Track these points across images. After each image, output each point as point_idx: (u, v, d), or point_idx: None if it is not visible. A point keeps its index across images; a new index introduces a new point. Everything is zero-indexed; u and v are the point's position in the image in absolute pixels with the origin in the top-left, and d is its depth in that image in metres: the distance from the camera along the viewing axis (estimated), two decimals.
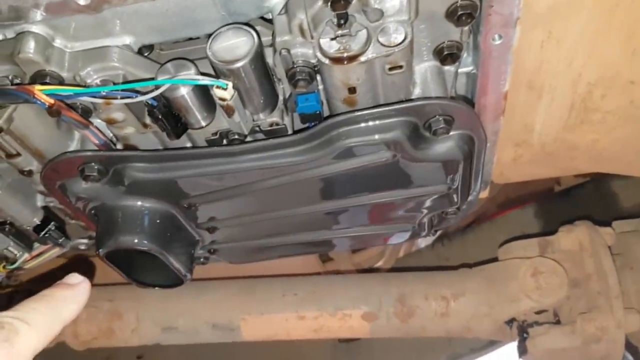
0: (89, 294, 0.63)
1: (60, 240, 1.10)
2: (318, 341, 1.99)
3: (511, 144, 1.09)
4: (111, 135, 0.91)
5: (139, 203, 0.93)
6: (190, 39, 0.85)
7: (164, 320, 1.40)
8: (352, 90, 0.80)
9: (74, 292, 0.62)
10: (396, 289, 1.36)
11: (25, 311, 0.56)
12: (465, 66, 0.90)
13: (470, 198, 1.08)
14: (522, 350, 1.32)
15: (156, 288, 1.08)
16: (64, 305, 0.60)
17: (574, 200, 1.98)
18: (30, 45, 0.76)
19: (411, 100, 0.82)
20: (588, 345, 1.27)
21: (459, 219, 1.14)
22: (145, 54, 0.85)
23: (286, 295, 1.40)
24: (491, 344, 1.76)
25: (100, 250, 0.93)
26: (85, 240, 1.25)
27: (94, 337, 1.41)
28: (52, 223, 1.06)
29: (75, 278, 0.63)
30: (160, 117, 0.78)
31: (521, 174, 1.21)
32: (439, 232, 2.09)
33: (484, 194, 1.20)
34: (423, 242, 2.28)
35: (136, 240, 0.92)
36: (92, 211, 0.94)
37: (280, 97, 0.85)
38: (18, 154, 0.91)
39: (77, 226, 1.20)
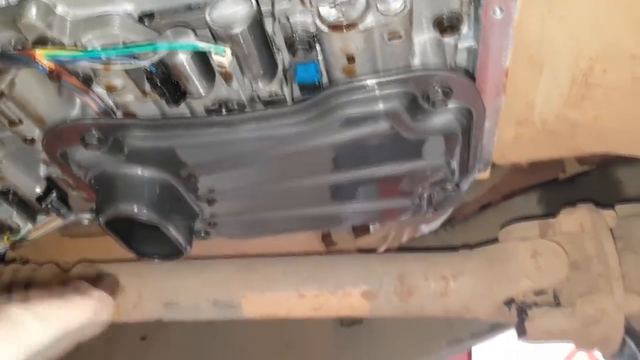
0: (108, 310, 0.63)
1: (63, 211, 1.11)
2: (320, 326, 2.01)
3: (512, 122, 1.09)
4: (112, 105, 0.92)
5: (139, 172, 0.93)
6: (190, 8, 0.85)
7: (166, 297, 1.41)
8: (351, 59, 0.80)
9: (86, 300, 0.61)
10: (396, 268, 1.36)
11: (36, 304, 0.55)
12: (467, 41, 0.90)
13: (471, 176, 1.08)
14: (521, 331, 1.32)
15: (156, 260, 1.08)
16: (70, 307, 0.59)
17: (578, 188, 1.97)
18: (32, 12, 0.77)
19: (410, 71, 0.82)
20: (587, 328, 1.27)
21: (459, 197, 1.14)
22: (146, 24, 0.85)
23: (287, 274, 1.41)
24: (492, 329, 1.76)
25: (100, 217, 0.94)
26: (88, 216, 1.27)
27: None
28: (54, 193, 1.07)
29: (95, 291, 0.63)
30: (159, 83, 0.79)
31: (522, 154, 1.20)
32: (443, 217, 2.09)
33: (485, 175, 1.20)
34: (427, 228, 2.28)
35: (136, 209, 0.93)
36: (93, 180, 0.95)
37: (280, 68, 0.85)
38: (20, 122, 0.92)
39: (80, 201, 1.22)
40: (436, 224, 2.20)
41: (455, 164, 0.97)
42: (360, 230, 2.09)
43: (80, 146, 0.90)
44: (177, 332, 2.05)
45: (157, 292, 1.42)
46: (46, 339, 0.55)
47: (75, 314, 0.59)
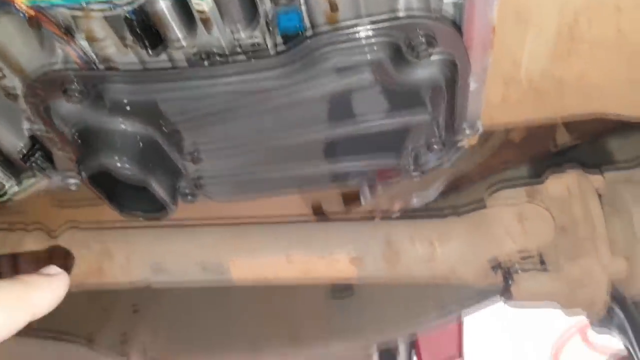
0: (66, 287, 0.60)
1: (48, 170, 1.11)
2: (311, 297, 2.02)
3: (499, 82, 1.08)
4: (94, 57, 0.91)
5: (122, 126, 0.93)
6: None
7: (154, 260, 1.42)
8: (334, 7, 0.79)
9: (50, 281, 0.58)
10: (384, 233, 1.37)
11: (3, 293, 0.53)
12: None
13: (458, 137, 1.08)
14: (507, 295, 1.33)
15: (140, 218, 1.08)
16: (36, 292, 0.56)
17: (569, 160, 1.97)
18: None
19: (394, 18, 0.82)
20: (573, 290, 1.28)
21: (445, 159, 1.14)
22: None
23: (276, 239, 1.42)
24: (480, 296, 1.76)
25: (83, 171, 0.94)
26: (75, 181, 1.26)
27: (85, 275, 1.43)
28: (38, 151, 1.06)
29: (53, 269, 0.60)
30: (138, 31, 0.78)
31: (511, 116, 1.20)
32: (434, 190, 2.09)
33: (473, 140, 1.20)
34: (418, 201, 2.28)
35: (118, 162, 0.92)
36: (76, 135, 0.95)
37: (262, 16, 0.84)
38: (2, 75, 0.91)
39: (66, 162, 1.21)
40: (428, 196, 2.21)
41: (441, 120, 0.96)
42: (351, 201, 2.09)
43: (63, 99, 0.89)
44: (168, 304, 2.06)
45: (145, 256, 1.43)
46: (12, 330, 0.53)
47: (44, 304, 0.57)
